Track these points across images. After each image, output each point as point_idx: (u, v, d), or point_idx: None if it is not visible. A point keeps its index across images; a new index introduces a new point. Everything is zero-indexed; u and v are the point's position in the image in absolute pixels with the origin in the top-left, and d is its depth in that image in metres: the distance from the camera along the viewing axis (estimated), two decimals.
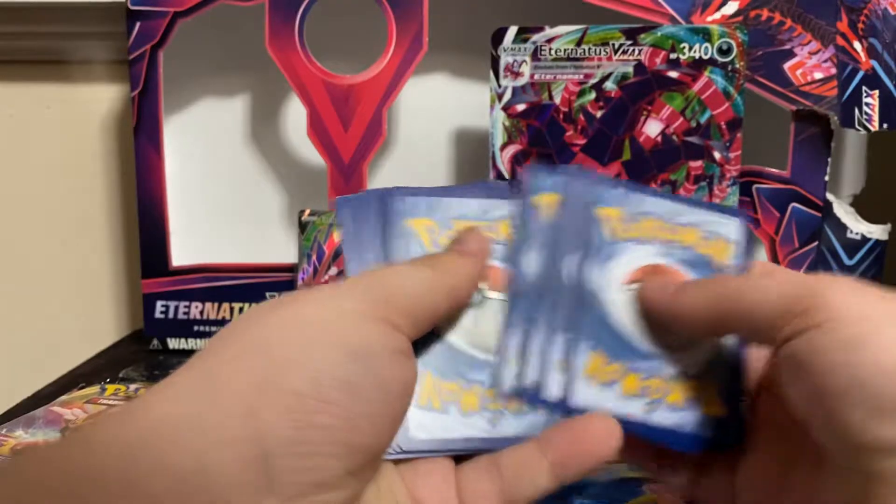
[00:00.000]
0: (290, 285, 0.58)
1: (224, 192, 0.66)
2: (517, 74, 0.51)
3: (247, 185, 0.67)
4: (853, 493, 0.23)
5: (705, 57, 0.49)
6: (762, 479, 0.27)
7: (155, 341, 0.61)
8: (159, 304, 0.60)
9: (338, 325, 0.23)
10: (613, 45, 0.50)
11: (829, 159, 0.53)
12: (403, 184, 0.29)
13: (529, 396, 0.27)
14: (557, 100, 0.51)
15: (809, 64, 0.52)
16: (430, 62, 0.60)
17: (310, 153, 0.62)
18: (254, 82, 0.66)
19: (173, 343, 0.60)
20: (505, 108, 0.51)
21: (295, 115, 0.65)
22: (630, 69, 0.50)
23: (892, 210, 0.57)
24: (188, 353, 0.29)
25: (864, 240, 0.54)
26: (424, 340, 0.26)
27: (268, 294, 0.59)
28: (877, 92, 0.53)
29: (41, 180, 0.72)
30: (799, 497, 0.26)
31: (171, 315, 0.60)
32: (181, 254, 0.60)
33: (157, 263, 0.60)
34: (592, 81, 0.50)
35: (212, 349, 0.23)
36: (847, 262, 0.55)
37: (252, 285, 0.59)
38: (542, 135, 0.51)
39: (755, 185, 0.54)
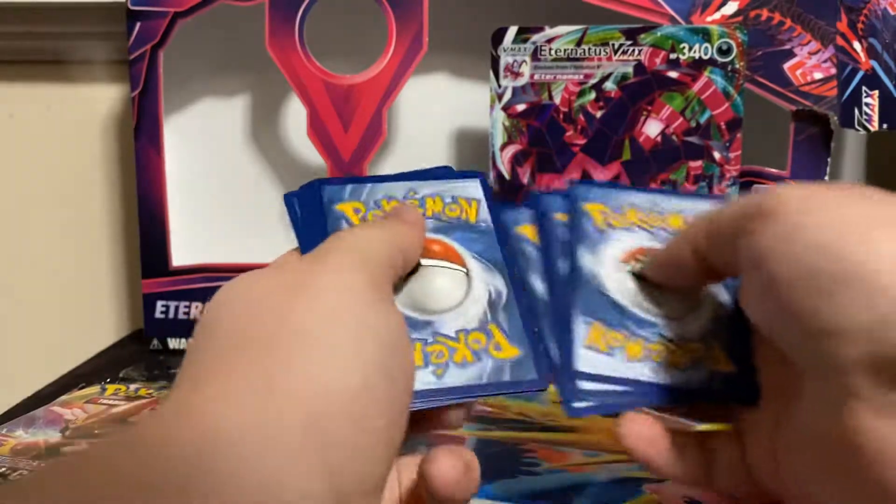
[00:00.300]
0: None
1: (224, 192, 0.66)
2: (517, 74, 0.51)
3: (247, 186, 0.67)
4: (833, 413, 0.22)
5: (705, 57, 0.49)
6: (767, 443, 0.26)
7: (155, 341, 0.61)
8: (159, 304, 0.60)
9: (361, 309, 0.23)
10: (613, 45, 0.50)
11: (829, 159, 0.53)
12: None
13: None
14: (557, 100, 0.51)
15: (809, 64, 0.52)
16: (430, 62, 0.60)
17: (310, 153, 0.62)
18: (254, 82, 0.66)
19: (173, 343, 0.60)
20: (505, 108, 0.51)
21: (295, 115, 0.65)
22: (630, 69, 0.50)
23: None
24: None
25: None
26: None
27: None
28: (876, 92, 0.53)
29: (41, 180, 0.72)
30: (791, 444, 0.25)
31: (171, 315, 0.60)
32: (181, 254, 0.60)
33: (157, 263, 0.60)
34: (592, 81, 0.50)
35: (246, 342, 0.22)
36: None
37: None
38: (542, 135, 0.51)
39: (755, 185, 0.54)
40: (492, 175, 0.52)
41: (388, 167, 0.66)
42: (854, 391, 0.21)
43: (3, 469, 0.39)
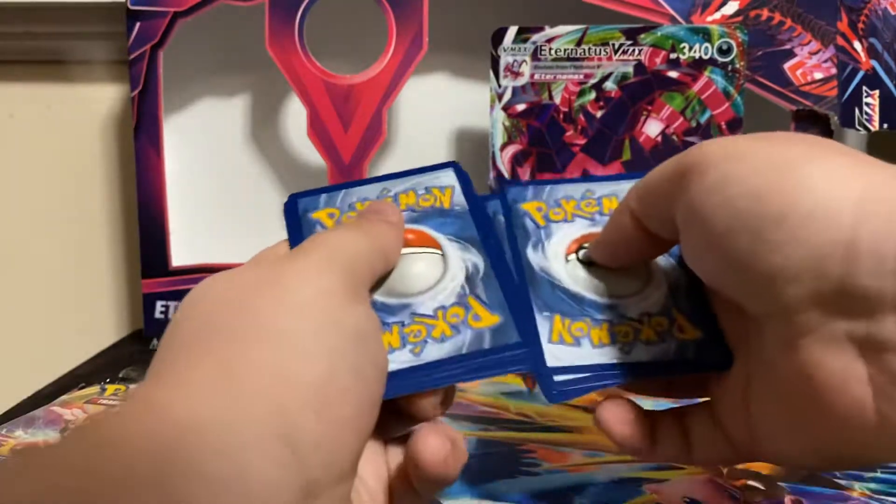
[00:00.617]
0: None
1: (224, 192, 0.66)
2: (517, 74, 0.51)
3: (247, 186, 0.67)
4: (788, 352, 0.22)
5: (705, 57, 0.49)
6: (740, 402, 0.26)
7: (155, 341, 0.61)
8: (159, 304, 0.60)
9: (332, 307, 0.23)
10: (613, 45, 0.50)
11: None
12: None
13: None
14: (557, 100, 0.51)
15: (809, 64, 0.52)
16: (430, 62, 0.60)
17: (310, 153, 0.61)
18: (254, 82, 0.66)
19: None
20: (505, 108, 0.51)
21: (295, 115, 0.65)
22: (630, 69, 0.50)
23: None
24: None
25: None
26: None
27: None
28: (877, 92, 0.53)
29: (41, 180, 0.72)
30: (760, 394, 0.25)
31: (170, 315, 0.60)
32: (181, 254, 0.60)
33: (156, 263, 0.60)
34: (592, 81, 0.50)
35: (210, 334, 0.22)
36: None
37: None
38: (542, 135, 0.51)
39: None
40: (492, 175, 0.52)
41: (388, 167, 0.66)
42: (803, 327, 0.21)
43: None
